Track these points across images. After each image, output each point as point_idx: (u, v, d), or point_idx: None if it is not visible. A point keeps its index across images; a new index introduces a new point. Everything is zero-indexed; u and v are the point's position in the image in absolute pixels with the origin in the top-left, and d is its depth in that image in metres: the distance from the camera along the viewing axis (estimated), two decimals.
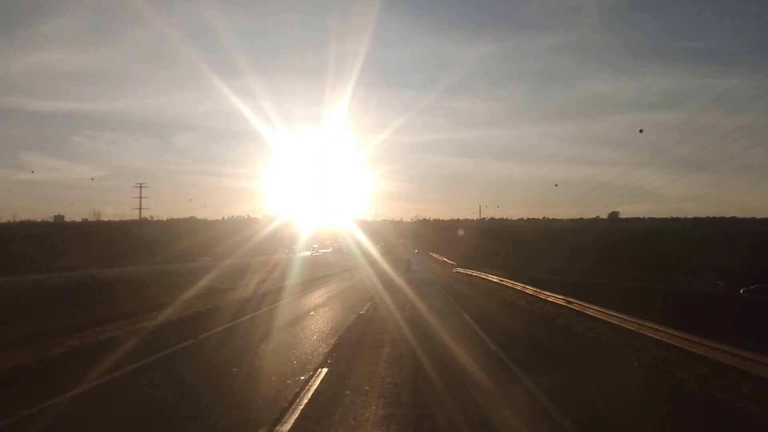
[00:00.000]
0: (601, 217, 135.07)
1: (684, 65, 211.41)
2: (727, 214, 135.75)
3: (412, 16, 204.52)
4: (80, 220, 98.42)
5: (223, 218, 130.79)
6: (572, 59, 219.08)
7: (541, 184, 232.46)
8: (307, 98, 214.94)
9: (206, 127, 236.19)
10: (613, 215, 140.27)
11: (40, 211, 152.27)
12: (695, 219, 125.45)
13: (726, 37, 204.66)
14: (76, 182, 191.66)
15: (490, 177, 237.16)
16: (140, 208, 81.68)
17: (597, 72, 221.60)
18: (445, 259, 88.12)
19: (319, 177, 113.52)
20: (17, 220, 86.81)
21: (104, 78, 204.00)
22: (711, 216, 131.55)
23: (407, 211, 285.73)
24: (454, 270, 55.09)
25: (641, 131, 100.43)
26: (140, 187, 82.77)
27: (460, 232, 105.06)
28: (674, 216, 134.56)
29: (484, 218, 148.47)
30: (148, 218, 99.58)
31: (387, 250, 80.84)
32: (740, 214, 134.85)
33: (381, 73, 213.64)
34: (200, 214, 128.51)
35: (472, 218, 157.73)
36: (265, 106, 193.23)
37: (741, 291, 35.54)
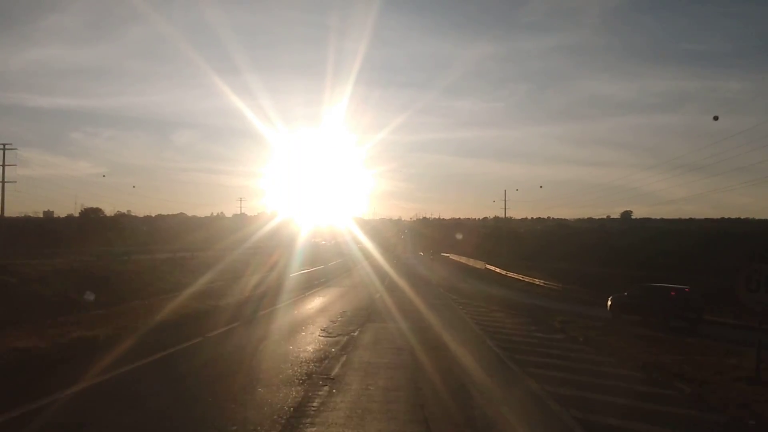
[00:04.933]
0: (612, 216, 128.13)
1: (685, 67, 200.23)
2: (727, 216, 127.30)
3: (412, 15, 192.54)
4: (65, 216, 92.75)
5: (212, 214, 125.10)
6: (573, 60, 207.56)
7: (540, 185, 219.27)
8: (306, 97, 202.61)
9: (205, 125, 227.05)
10: (626, 215, 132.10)
11: (37, 207, 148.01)
12: (707, 220, 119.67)
13: (727, 39, 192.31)
14: (74, 178, 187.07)
15: (490, 177, 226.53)
16: (2, 182, 48.16)
17: (597, 73, 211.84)
18: (489, 266, 55.72)
19: (318, 175, 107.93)
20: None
21: (103, 75, 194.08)
22: (717, 218, 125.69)
23: (406, 211, 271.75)
24: None
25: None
26: (3, 148, 48.30)
27: (459, 236, 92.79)
28: (671, 218, 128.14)
29: (487, 217, 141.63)
30: (125, 212, 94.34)
31: (385, 249, 72.76)
32: (740, 216, 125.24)
33: (380, 72, 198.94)
34: (191, 211, 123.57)
35: (478, 216, 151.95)
36: (264, 104, 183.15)
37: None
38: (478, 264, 62.30)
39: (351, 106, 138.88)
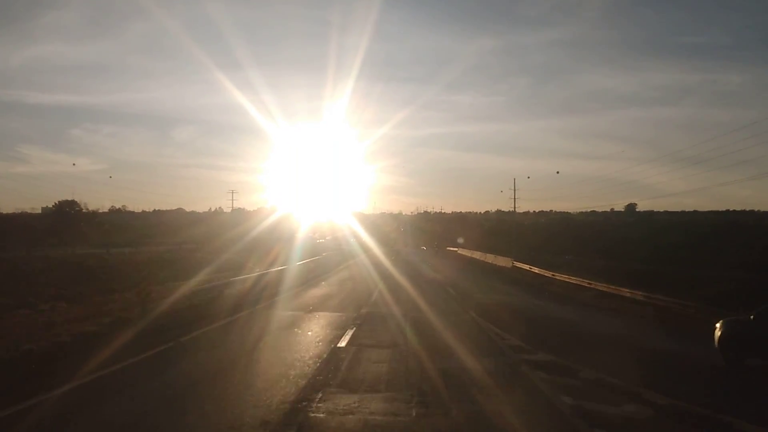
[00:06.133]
0: (615, 209, 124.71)
1: (685, 60, 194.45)
2: (729, 209, 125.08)
3: (413, 10, 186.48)
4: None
5: (210, 209, 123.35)
6: (573, 54, 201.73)
7: (542, 178, 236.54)
8: (307, 92, 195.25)
9: (205, 121, 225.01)
10: (631, 207, 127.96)
11: (36, 204, 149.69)
12: (712, 212, 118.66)
13: (727, 32, 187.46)
14: (75, 175, 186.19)
15: (491, 171, 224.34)
16: None
17: (598, 67, 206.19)
18: (518, 264, 39.99)
19: (319, 171, 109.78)
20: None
21: (104, 71, 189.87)
22: (721, 210, 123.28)
23: (406, 205, 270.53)
24: None
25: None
26: None
27: (460, 240, 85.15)
28: (672, 210, 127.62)
29: (489, 211, 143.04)
30: (120, 208, 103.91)
31: (384, 244, 67.68)
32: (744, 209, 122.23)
33: (382, 67, 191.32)
34: (191, 207, 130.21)
35: (479, 210, 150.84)
36: (265, 99, 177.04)
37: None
38: (501, 261, 48.26)
39: (352, 102, 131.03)
